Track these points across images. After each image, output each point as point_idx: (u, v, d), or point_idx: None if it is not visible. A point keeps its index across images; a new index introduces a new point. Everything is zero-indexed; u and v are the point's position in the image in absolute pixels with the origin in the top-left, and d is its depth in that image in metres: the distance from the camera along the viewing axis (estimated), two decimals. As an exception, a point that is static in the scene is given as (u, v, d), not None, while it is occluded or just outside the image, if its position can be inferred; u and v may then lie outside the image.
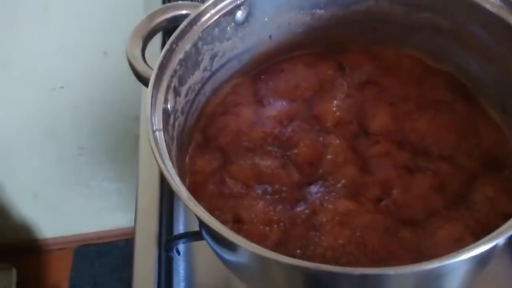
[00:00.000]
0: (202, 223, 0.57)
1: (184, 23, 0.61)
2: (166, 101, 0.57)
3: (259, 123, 0.66)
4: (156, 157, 0.50)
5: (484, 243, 0.44)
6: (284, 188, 0.60)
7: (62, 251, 1.85)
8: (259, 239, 0.56)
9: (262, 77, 0.72)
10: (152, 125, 0.53)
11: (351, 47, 0.72)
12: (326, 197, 0.59)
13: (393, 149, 0.64)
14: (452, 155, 0.63)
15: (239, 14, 0.65)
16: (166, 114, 0.57)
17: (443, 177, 0.60)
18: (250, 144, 0.65)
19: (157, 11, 0.64)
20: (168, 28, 0.65)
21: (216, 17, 0.63)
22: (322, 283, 0.50)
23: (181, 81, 0.61)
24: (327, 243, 0.55)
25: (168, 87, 0.58)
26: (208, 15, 0.62)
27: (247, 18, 0.66)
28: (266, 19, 0.68)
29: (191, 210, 0.49)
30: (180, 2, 0.65)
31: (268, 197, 0.59)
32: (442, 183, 0.60)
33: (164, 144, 0.53)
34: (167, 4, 0.65)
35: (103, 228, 1.84)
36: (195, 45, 0.62)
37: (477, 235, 0.54)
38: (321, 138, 0.64)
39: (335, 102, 0.67)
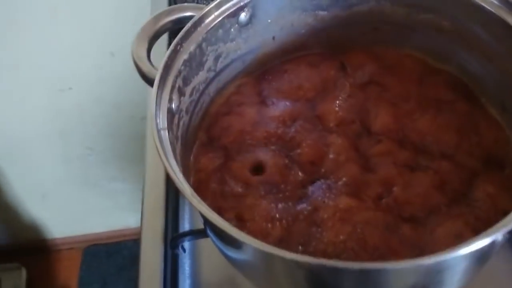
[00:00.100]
0: (205, 220, 0.58)
1: (189, 24, 0.62)
2: (170, 100, 0.58)
3: (263, 123, 0.67)
4: (160, 155, 0.51)
5: (483, 237, 0.45)
6: (287, 187, 0.61)
7: (71, 251, 1.87)
8: (261, 236, 0.57)
9: (266, 77, 0.72)
10: (157, 124, 0.54)
11: (354, 47, 0.73)
12: (327, 194, 0.59)
13: (395, 148, 0.64)
14: (453, 153, 0.63)
15: (243, 16, 0.66)
16: (170, 113, 0.58)
17: (444, 175, 0.61)
18: (253, 144, 0.65)
19: (162, 13, 0.65)
20: (174, 29, 0.66)
21: (220, 18, 0.64)
22: (324, 278, 0.51)
23: (186, 81, 0.62)
24: (328, 239, 0.56)
25: (172, 87, 0.59)
26: (212, 16, 0.63)
27: (250, 20, 0.67)
28: (269, 21, 0.69)
29: (194, 207, 0.50)
30: (185, 4, 0.66)
31: (271, 195, 0.60)
32: (443, 181, 0.61)
33: (169, 142, 0.54)
34: (172, 6, 0.66)
35: (111, 228, 1.85)
36: (199, 46, 0.63)
37: (477, 232, 0.54)
38: (323, 138, 0.65)
39: (337, 102, 0.68)
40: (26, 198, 1.71)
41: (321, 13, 0.71)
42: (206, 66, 0.65)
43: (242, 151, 0.65)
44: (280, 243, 0.57)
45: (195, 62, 0.63)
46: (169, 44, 0.84)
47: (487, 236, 0.45)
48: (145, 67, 0.62)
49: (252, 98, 0.70)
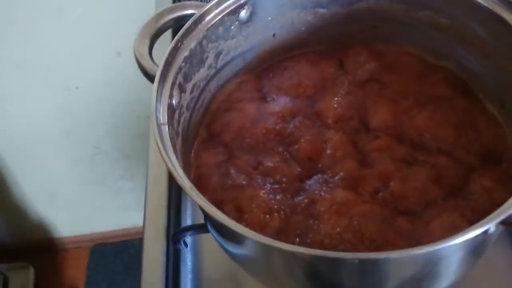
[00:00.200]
0: (205, 214, 0.59)
1: (189, 22, 0.63)
2: (171, 96, 0.59)
3: (262, 120, 0.68)
4: (159, 148, 0.52)
5: (476, 228, 0.45)
6: (284, 179, 0.62)
7: (78, 250, 1.87)
8: (260, 228, 0.58)
9: (266, 74, 0.73)
10: (157, 119, 0.55)
11: (353, 45, 0.74)
12: (324, 188, 0.60)
13: (393, 143, 0.65)
14: (451, 149, 0.64)
15: (243, 13, 0.67)
16: (171, 109, 0.59)
17: (441, 170, 0.62)
18: (253, 140, 0.66)
19: (164, 11, 0.66)
20: (176, 27, 0.67)
21: (220, 16, 0.65)
22: (321, 271, 0.52)
23: (186, 78, 0.63)
24: (325, 231, 0.57)
25: (173, 83, 0.60)
26: (212, 14, 0.64)
27: (250, 17, 0.68)
28: (269, 18, 0.70)
29: (193, 200, 0.51)
30: (186, 2, 0.67)
31: (269, 187, 0.61)
32: (440, 175, 0.61)
33: (169, 137, 0.55)
34: (174, 4, 0.67)
35: (118, 227, 1.86)
36: (200, 43, 0.64)
37: (473, 224, 0.55)
38: (321, 134, 0.66)
39: (336, 99, 0.69)
40: (34, 197, 1.73)
41: (321, 10, 0.72)
42: (207, 63, 0.66)
43: (243, 148, 0.66)
44: (278, 234, 0.58)
45: (195, 59, 0.64)
46: (172, 41, 0.86)
47: (480, 226, 0.46)
48: (147, 64, 0.63)
49: (252, 95, 0.71)
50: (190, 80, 0.64)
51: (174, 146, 0.56)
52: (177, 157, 0.55)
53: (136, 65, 0.64)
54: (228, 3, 0.65)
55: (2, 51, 1.32)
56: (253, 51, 0.72)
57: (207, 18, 0.64)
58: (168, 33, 0.73)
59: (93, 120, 1.54)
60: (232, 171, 0.63)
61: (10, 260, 1.67)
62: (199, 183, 0.62)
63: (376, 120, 0.67)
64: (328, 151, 0.64)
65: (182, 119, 0.62)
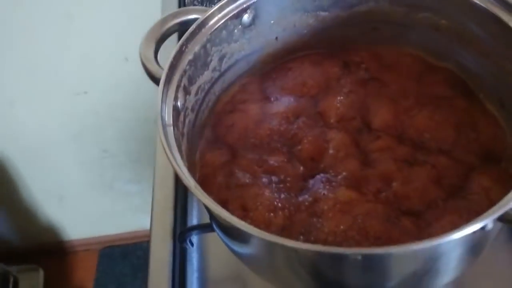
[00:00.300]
0: (210, 213, 0.60)
1: (193, 26, 0.64)
2: (176, 98, 0.60)
3: (266, 120, 0.69)
4: (165, 148, 0.53)
5: (474, 223, 0.46)
6: (289, 179, 0.63)
7: (87, 253, 1.89)
8: (264, 225, 0.59)
9: (270, 76, 0.74)
10: (163, 120, 0.57)
11: (354, 46, 0.75)
12: (327, 187, 0.61)
13: (394, 143, 0.66)
14: (451, 149, 0.65)
15: (246, 17, 0.68)
16: (176, 111, 0.60)
17: (441, 170, 0.62)
18: (257, 140, 0.68)
19: (169, 16, 0.67)
20: (181, 31, 0.68)
21: (223, 20, 0.66)
22: (325, 267, 0.53)
23: (191, 81, 0.64)
24: (328, 229, 0.58)
25: (178, 86, 0.61)
26: (215, 18, 0.66)
27: (253, 21, 0.69)
28: (272, 22, 0.71)
29: (198, 199, 0.52)
30: (190, 7, 0.69)
31: (274, 186, 0.62)
32: (440, 176, 0.62)
33: (174, 138, 0.56)
34: (179, 9, 0.69)
35: (127, 230, 1.87)
36: (203, 46, 0.65)
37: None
38: (323, 134, 0.67)
39: (338, 98, 0.70)
40: (43, 201, 1.74)
41: (322, 13, 0.73)
42: (211, 66, 0.68)
43: (248, 148, 0.67)
44: (282, 232, 0.59)
45: (200, 62, 0.65)
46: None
47: (477, 222, 0.47)
48: (153, 67, 0.64)
49: (256, 96, 0.72)
50: (195, 83, 0.65)
51: (179, 146, 0.57)
52: (182, 157, 0.56)
53: (143, 71, 0.65)
54: (231, 7, 0.66)
55: (13, 57, 1.34)
56: (256, 54, 0.73)
57: (211, 22, 0.66)
58: (174, 38, 0.74)
59: (101, 124, 1.56)
60: (237, 170, 0.64)
61: (20, 263, 1.68)
62: (204, 183, 0.63)
63: (377, 120, 0.68)
64: (331, 151, 0.65)
65: (187, 121, 0.63)
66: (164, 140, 0.55)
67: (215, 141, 0.69)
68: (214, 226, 0.62)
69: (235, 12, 0.67)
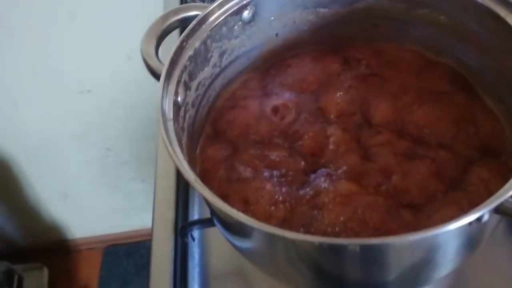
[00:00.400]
0: (210, 208, 0.61)
1: (193, 22, 0.65)
2: (176, 93, 0.61)
3: (267, 116, 0.70)
4: (165, 142, 0.54)
5: (469, 214, 0.47)
6: (290, 173, 0.63)
7: (91, 251, 1.90)
8: (264, 218, 0.59)
9: (270, 72, 0.75)
10: (163, 114, 0.57)
11: (354, 43, 0.75)
12: (328, 181, 0.62)
13: (394, 138, 0.66)
14: (451, 144, 0.65)
15: (246, 14, 0.69)
16: (176, 106, 0.61)
17: (441, 163, 0.63)
18: (258, 136, 0.68)
19: (170, 13, 0.68)
20: (182, 28, 0.69)
21: (223, 16, 0.66)
22: (324, 259, 0.53)
23: (191, 76, 0.65)
24: (328, 220, 0.58)
25: (178, 81, 0.62)
26: (215, 15, 0.66)
27: (253, 17, 0.70)
28: (272, 18, 0.72)
29: (198, 192, 0.53)
30: (191, 4, 0.69)
31: (275, 180, 0.63)
32: (440, 169, 0.62)
33: (174, 133, 0.57)
34: (179, 6, 0.69)
35: (131, 228, 1.87)
36: (204, 42, 0.65)
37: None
38: (323, 130, 0.67)
39: (338, 94, 0.70)
40: (48, 200, 1.75)
41: (322, 10, 0.73)
42: (212, 62, 0.68)
43: (249, 144, 0.68)
44: (283, 224, 0.59)
45: (200, 58, 0.66)
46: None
47: (473, 213, 0.47)
48: (154, 63, 0.64)
49: (256, 92, 0.73)
50: (195, 78, 0.66)
51: (179, 141, 0.57)
52: (182, 151, 0.56)
53: (146, 69, 0.66)
54: (231, 4, 0.67)
55: (16, 57, 1.35)
56: (256, 50, 0.73)
57: (211, 19, 0.66)
58: (176, 34, 0.75)
59: (105, 123, 1.56)
60: (238, 164, 0.64)
61: (25, 261, 1.69)
62: (205, 177, 0.64)
63: (378, 115, 0.69)
64: (331, 147, 0.66)
65: (187, 116, 0.64)
66: (165, 134, 0.55)
67: (215, 136, 0.69)
68: (215, 221, 0.63)
69: (235, 8, 0.67)
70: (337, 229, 0.58)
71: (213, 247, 0.75)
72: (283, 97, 0.72)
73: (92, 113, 1.53)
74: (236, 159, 0.66)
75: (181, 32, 0.66)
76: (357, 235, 0.57)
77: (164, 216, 0.75)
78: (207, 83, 0.68)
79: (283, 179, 0.63)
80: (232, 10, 0.67)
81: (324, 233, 0.58)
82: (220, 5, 0.66)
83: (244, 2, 0.68)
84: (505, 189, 0.48)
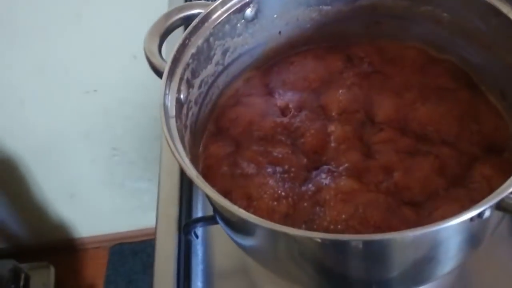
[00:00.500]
0: (212, 205, 0.61)
1: (196, 20, 0.65)
2: (179, 91, 0.61)
3: (269, 114, 0.70)
4: (167, 139, 0.54)
5: (470, 210, 0.47)
6: (293, 169, 0.64)
7: (98, 250, 1.90)
8: (267, 214, 0.59)
9: (273, 70, 0.75)
10: (166, 112, 0.58)
11: (357, 40, 0.75)
12: (330, 177, 0.62)
13: (397, 135, 0.66)
14: (454, 141, 0.65)
15: (249, 11, 0.69)
16: (179, 103, 0.61)
17: (443, 160, 0.63)
18: (261, 133, 0.68)
19: (173, 11, 0.68)
20: (185, 26, 0.69)
21: (226, 14, 0.67)
22: (326, 255, 0.53)
23: (194, 74, 0.65)
24: (330, 217, 0.58)
25: (181, 79, 0.62)
26: (218, 12, 0.66)
27: (256, 15, 0.70)
28: (275, 16, 0.72)
29: (200, 188, 0.53)
30: (194, 2, 0.69)
31: (278, 175, 0.63)
32: (443, 165, 0.62)
33: (177, 130, 0.57)
34: (182, 4, 0.69)
35: (137, 227, 1.88)
36: (207, 40, 0.66)
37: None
38: (325, 127, 0.67)
39: (341, 91, 0.70)
40: (54, 199, 1.76)
41: (325, 8, 0.73)
42: (214, 60, 0.68)
43: (252, 141, 0.68)
44: (286, 220, 0.59)
45: (203, 56, 0.66)
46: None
47: (474, 209, 0.47)
48: (157, 61, 0.65)
49: (259, 90, 0.73)
50: (198, 76, 0.66)
51: (182, 138, 0.58)
52: (184, 148, 0.57)
53: (151, 68, 0.66)
54: (233, 1, 0.67)
55: (23, 57, 1.36)
56: (259, 48, 0.73)
57: (214, 16, 0.66)
58: (179, 32, 0.75)
59: (111, 122, 1.57)
60: (241, 161, 0.65)
61: (31, 260, 1.70)
62: (208, 173, 0.64)
63: (381, 113, 0.69)
64: (332, 144, 0.66)
65: (190, 114, 0.64)
66: (167, 131, 0.55)
67: (218, 133, 0.70)
68: (217, 218, 0.63)
69: (238, 6, 0.68)
70: (339, 227, 0.58)
71: (216, 245, 0.76)
72: (285, 94, 0.72)
73: (98, 113, 1.53)
74: (239, 155, 0.66)
75: (184, 30, 0.66)
76: (358, 232, 0.57)
77: (168, 213, 0.76)
78: (210, 81, 0.69)
79: (285, 175, 0.63)
80: (235, 8, 0.67)
81: (327, 230, 0.58)
82: (223, 3, 0.67)
83: (247, 0, 0.68)
84: (507, 185, 0.48)
